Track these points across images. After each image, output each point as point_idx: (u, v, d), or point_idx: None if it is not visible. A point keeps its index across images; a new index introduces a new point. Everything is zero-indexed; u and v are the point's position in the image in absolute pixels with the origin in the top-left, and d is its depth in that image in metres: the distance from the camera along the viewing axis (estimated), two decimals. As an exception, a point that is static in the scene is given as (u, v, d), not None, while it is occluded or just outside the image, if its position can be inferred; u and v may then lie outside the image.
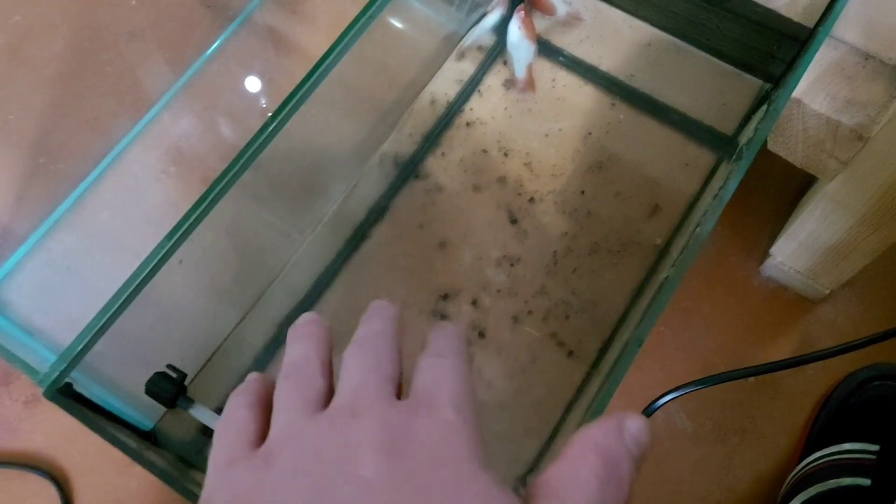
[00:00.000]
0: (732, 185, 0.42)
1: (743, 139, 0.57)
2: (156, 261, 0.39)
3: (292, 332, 0.32)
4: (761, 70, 0.59)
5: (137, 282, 0.38)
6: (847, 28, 0.46)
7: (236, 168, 0.40)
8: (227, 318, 0.55)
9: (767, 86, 0.59)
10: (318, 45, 0.71)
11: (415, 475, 0.24)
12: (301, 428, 0.26)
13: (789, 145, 0.49)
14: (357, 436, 0.25)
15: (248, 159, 0.41)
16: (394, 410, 0.26)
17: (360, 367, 0.28)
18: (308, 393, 0.28)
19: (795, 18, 0.46)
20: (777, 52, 0.54)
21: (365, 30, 0.45)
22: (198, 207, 0.39)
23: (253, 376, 0.31)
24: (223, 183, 0.40)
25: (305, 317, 0.32)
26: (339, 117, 0.57)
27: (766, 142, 0.53)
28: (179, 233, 0.39)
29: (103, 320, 0.37)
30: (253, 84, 0.68)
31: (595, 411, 0.38)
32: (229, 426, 0.28)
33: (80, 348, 0.36)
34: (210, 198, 0.39)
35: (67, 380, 0.38)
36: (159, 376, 0.40)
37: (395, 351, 0.30)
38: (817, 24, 0.45)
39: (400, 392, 0.29)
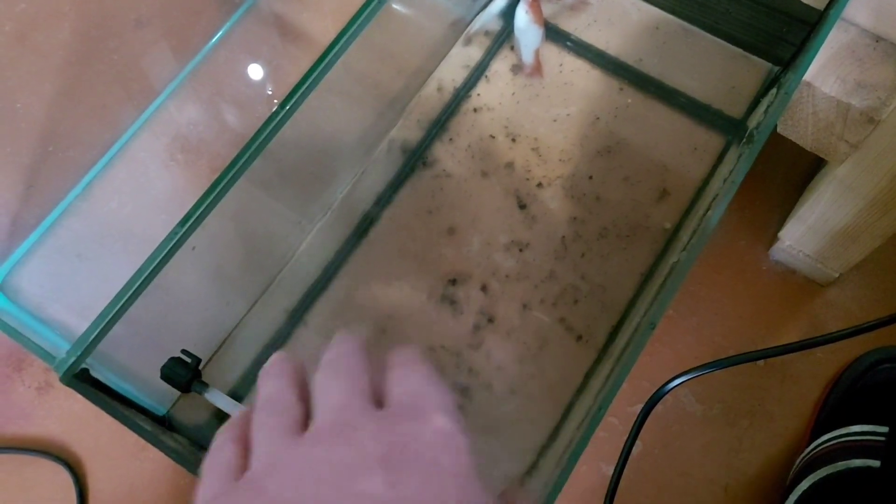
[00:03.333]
0: (743, 169, 0.42)
1: (752, 122, 0.57)
2: (168, 248, 0.39)
3: (262, 374, 0.30)
4: (770, 53, 0.58)
5: (150, 269, 0.38)
6: (857, 10, 0.46)
7: (246, 156, 0.40)
8: (237, 305, 0.55)
9: (776, 69, 0.59)
10: (324, 31, 0.71)
11: (420, 487, 0.23)
12: (285, 453, 0.25)
13: (799, 128, 0.49)
14: (350, 453, 0.24)
15: (256, 148, 0.41)
16: (383, 423, 0.25)
17: (337, 386, 0.27)
18: (286, 420, 0.27)
19: (805, 1, 0.46)
20: (786, 34, 0.53)
21: (373, 17, 0.44)
22: (209, 195, 0.39)
23: (240, 412, 0.30)
24: (233, 171, 0.40)
25: (274, 357, 0.31)
26: (347, 105, 0.57)
27: (775, 125, 0.53)
28: (191, 221, 0.39)
29: (118, 307, 0.38)
30: (259, 71, 0.68)
31: (607, 395, 0.38)
32: (214, 462, 0.27)
33: (95, 334, 0.37)
34: (220, 186, 0.40)
35: (84, 365, 0.38)
36: (174, 361, 0.40)
37: (369, 366, 0.29)
38: (828, 7, 0.45)
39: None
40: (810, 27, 0.47)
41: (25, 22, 0.70)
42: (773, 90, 0.54)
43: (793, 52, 0.54)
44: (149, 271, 0.38)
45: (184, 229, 0.39)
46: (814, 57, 0.42)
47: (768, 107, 0.53)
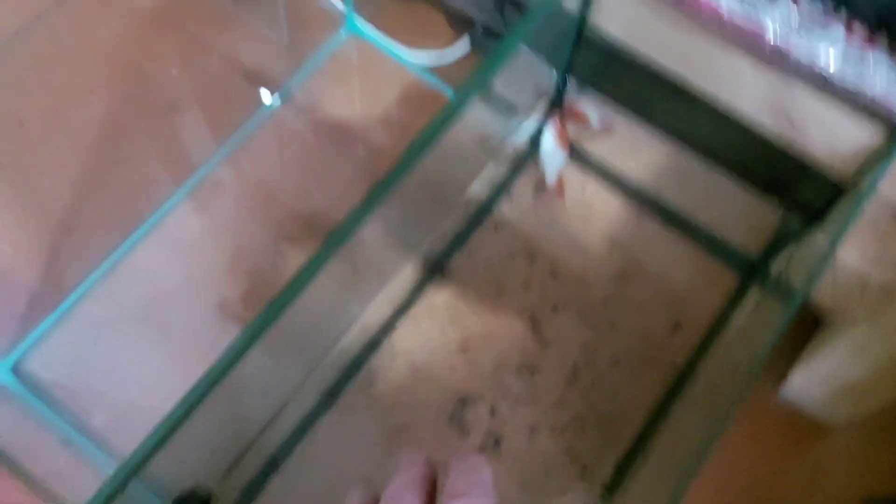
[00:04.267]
0: (775, 334, 0.42)
1: (773, 267, 0.58)
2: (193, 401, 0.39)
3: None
4: (790, 201, 0.59)
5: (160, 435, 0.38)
6: (882, 182, 0.46)
7: (280, 304, 0.40)
8: (249, 433, 0.55)
9: (795, 218, 0.60)
10: (353, 117, 0.72)
11: None
12: None
13: (818, 289, 0.50)
14: None
15: (291, 294, 0.40)
16: None
17: None
18: None
19: (834, 166, 0.47)
20: (809, 189, 0.54)
21: (427, 147, 0.45)
22: (228, 356, 0.39)
23: None
24: (254, 331, 0.39)
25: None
26: (386, 227, 0.57)
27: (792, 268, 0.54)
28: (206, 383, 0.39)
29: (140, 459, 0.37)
30: (291, 161, 0.69)
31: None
32: None
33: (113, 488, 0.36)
34: (235, 351, 0.39)
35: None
36: (184, 499, 0.40)
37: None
38: (858, 180, 0.45)
39: None
40: (836, 190, 0.48)
41: (60, 97, 0.71)
42: (792, 246, 0.54)
43: (809, 202, 0.55)
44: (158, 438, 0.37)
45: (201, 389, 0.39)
46: (844, 232, 0.42)
47: (791, 257, 0.54)
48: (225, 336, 0.62)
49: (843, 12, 0.40)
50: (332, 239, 0.41)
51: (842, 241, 0.40)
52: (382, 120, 0.72)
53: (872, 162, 0.45)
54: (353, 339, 0.59)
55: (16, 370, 0.60)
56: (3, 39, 0.74)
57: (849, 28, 0.40)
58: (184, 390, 0.60)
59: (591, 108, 0.64)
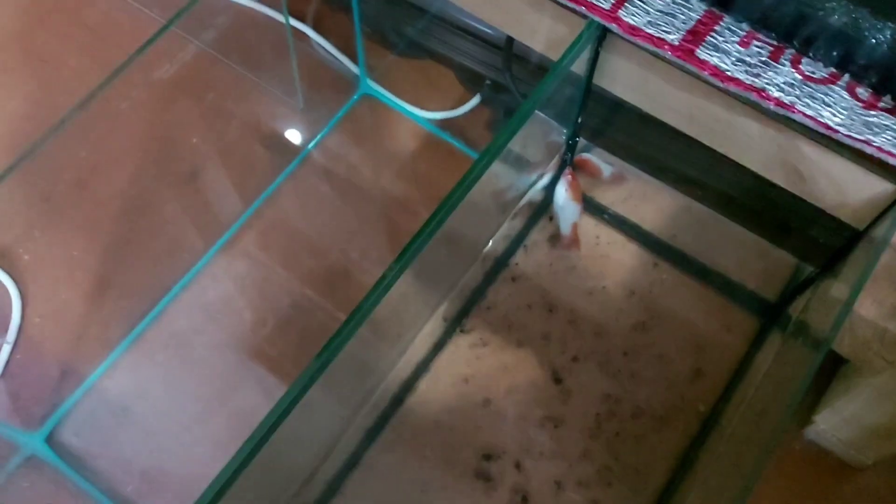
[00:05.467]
0: (804, 384, 0.42)
1: (791, 311, 0.58)
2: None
3: None
4: (804, 248, 0.60)
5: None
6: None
7: (324, 360, 0.41)
8: (287, 486, 0.56)
9: (810, 264, 0.61)
10: (372, 173, 0.73)
11: None
12: None
13: (836, 338, 0.50)
14: None
15: (333, 351, 0.41)
16: None
17: None
18: None
19: (846, 216, 0.47)
20: (822, 237, 0.55)
21: (450, 214, 0.46)
22: (279, 409, 0.40)
23: None
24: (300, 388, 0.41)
25: None
26: (406, 286, 0.58)
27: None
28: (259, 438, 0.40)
29: None
30: (312, 217, 0.71)
31: None
32: None
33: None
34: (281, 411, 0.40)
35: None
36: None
37: None
38: (871, 229, 0.46)
39: None
40: (847, 241, 0.49)
41: (85, 170, 0.74)
42: (810, 290, 0.55)
43: (823, 249, 0.56)
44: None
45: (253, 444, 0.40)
46: (865, 281, 0.42)
47: (809, 302, 0.55)
48: (252, 398, 0.63)
49: (846, 75, 0.41)
50: (364, 305, 0.42)
51: (855, 301, 0.40)
52: (398, 174, 0.74)
53: (883, 210, 0.45)
54: (376, 398, 0.60)
55: (50, 440, 0.62)
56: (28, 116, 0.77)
57: (852, 91, 0.41)
58: (213, 454, 0.62)
59: (601, 160, 0.65)
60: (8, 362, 0.65)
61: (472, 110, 0.76)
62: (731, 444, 0.55)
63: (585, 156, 0.65)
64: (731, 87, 0.43)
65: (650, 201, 0.66)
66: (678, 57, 0.44)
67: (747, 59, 0.43)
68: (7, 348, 0.65)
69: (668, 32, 0.44)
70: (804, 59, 0.43)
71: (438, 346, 0.62)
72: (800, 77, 0.43)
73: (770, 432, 0.44)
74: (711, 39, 0.44)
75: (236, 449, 0.39)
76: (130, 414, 0.63)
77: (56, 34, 0.82)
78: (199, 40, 0.78)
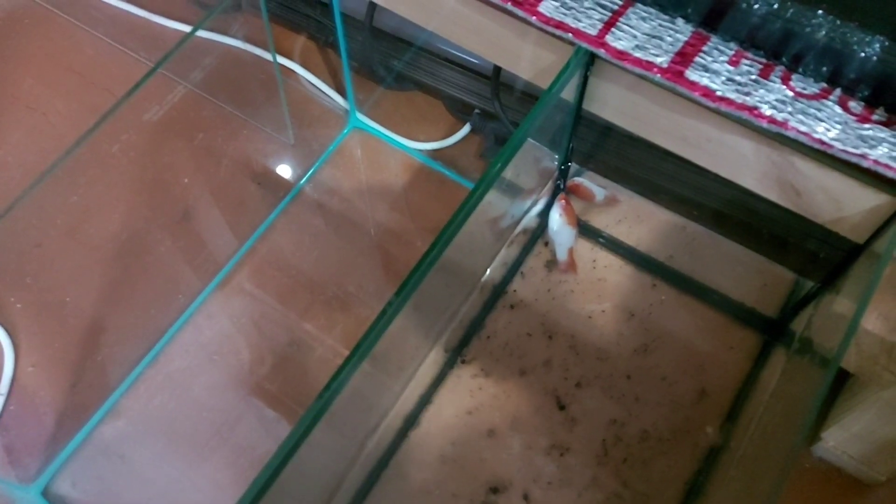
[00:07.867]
0: (815, 403, 0.41)
1: (794, 327, 0.58)
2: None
3: None
4: (803, 263, 0.60)
5: None
6: None
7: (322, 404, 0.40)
8: None
9: (810, 279, 0.60)
10: (364, 205, 0.73)
11: None
12: None
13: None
14: None
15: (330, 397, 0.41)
16: None
17: None
18: None
19: (844, 230, 0.47)
20: (821, 252, 0.55)
21: (446, 248, 0.45)
22: (283, 450, 0.39)
23: None
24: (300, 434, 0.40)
25: None
26: (406, 319, 0.58)
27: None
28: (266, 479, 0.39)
29: None
30: (306, 252, 0.70)
31: None
32: None
33: None
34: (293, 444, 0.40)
35: None
36: None
37: None
38: (871, 242, 0.46)
39: None
40: (846, 254, 0.49)
41: (76, 215, 0.73)
42: (812, 305, 0.55)
43: (822, 264, 0.55)
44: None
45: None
46: (870, 296, 0.42)
47: (811, 318, 0.54)
48: (252, 437, 0.62)
49: (837, 89, 0.42)
50: (365, 340, 0.42)
51: (861, 317, 0.40)
52: (391, 205, 0.74)
53: (882, 223, 0.45)
54: (380, 434, 0.59)
55: (46, 493, 0.60)
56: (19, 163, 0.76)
57: (844, 105, 0.41)
58: (213, 498, 0.60)
59: (594, 183, 0.65)
60: (1, 414, 0.63)
61: (462, 139, 0.76)
62: (741, 466, 0.54)
63: (578, 180, 0.65)
64: (723, 107, 0.43)
65: (645, 222, 0.66)
66: (668, 79, 0.44)
67: (737, 77, 0.43)
68: (0, 400, 0.64)
69: (657, 55, 0.44)
70: (794, 76, 0.43)
71: (440, 378, 0.61)
72: (791, 94, 0.43)
73: (784, 456, 0.43)
74: (700, 60, 0.44)
75: (237, 491, 0.38)
76: (128, 461, 0.62)
77: (43, 80, 0.82)
78: (187, 81, 0.78)
